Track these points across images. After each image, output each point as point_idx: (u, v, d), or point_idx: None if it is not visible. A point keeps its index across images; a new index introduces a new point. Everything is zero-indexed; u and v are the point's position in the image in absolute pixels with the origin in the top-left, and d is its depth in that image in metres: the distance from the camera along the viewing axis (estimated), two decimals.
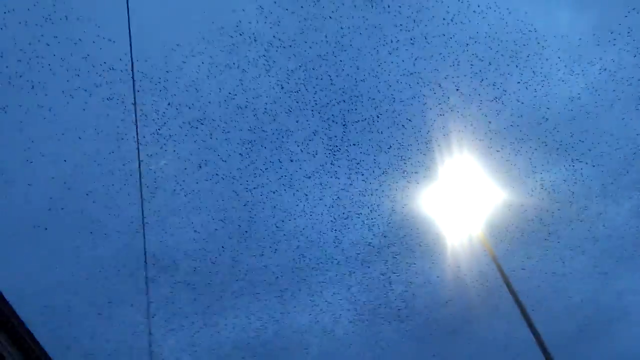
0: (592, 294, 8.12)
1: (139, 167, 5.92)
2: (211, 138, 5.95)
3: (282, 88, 5.70)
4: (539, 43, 6.10)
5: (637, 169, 6.99)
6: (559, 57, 6.11)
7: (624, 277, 7.79)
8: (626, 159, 6.78)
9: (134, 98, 5.52)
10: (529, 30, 6.02)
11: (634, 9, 5.97)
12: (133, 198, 6.02)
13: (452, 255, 8.00)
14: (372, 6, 5.42)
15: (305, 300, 7.17)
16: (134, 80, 5.48)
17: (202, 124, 5.84)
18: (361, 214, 6.85)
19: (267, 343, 7.38)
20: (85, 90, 5.59)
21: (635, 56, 6.14)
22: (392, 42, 5.65)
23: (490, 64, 6.06)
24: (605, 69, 6.25)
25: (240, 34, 5.46)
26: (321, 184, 6.48)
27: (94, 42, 5.41)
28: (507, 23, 5.95)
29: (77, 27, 5.42)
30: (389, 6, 5.44)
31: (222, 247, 6.58)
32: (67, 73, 5.44)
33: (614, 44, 6.14)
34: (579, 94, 6.48)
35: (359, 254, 7.20)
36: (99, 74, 5.48)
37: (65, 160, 5.90)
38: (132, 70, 5.32)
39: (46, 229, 6.21)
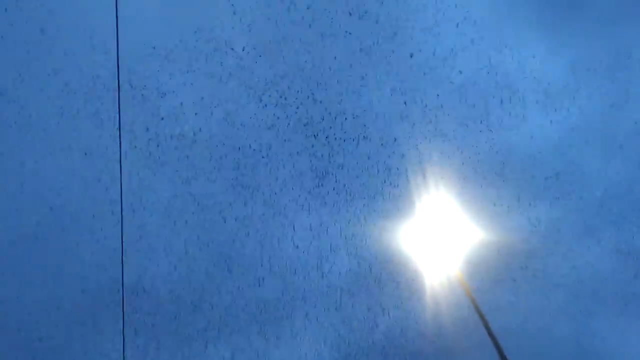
0: (573, 333, 8.04)
1: (120, 186, 5.78)
2: (192, 156, 5.84)
3: (261, 101, 5.64)
4: (517, 83, 6.15)
5: (616, 208, 7.02)
6: (537, 99, 6.16)
7: (605, 318, 7.73)
8: (605, 198, 6.81)
9: (119, 114, 5.42)
10: (508, 71, 6.08)
11: (609, 48, 6.07)
12: (114, 219, 5.88)
13: (430, 292, 7.91)
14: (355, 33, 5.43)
15: (287, 336, 7.00)
16: (119, 96, 5.39)
17: (183, 139, 5.74)
18: (347, 243, 6.75)
19: None
20: (68, 107, 5.49)
21: (609, 98, 6.23)
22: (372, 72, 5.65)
23: (472, 103, 6.08)
24: (581, 111, 6.32)
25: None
26: (308, 209, 6.39)
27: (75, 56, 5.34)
28: (490, 62, 6.01)
29: (59, 39, 5.34)
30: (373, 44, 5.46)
31: (205, 274, 6.43)
32: (50, 89, 5.34)
33: (590, 86, 6.22)
34: (557, 134, 6.53)
35: (344, 286, 7.08)
36: (83, 90, 5.38)
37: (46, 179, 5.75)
38: (118, 84, 5.25)
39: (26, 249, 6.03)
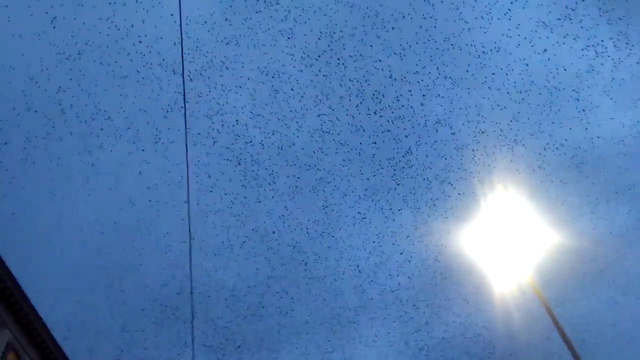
0: None
1: (188, 203, 6.03)
2: (254, 177, 6.02)
3: (321, 127, 5.75)
4: (586, 81, 5.99)
5: None
6: (608, 96, 5.96)
7: None
8: None
9: (185, 136, 5.68)
10: (576, 70, 5.93)
11: None
12: (181, 236, 6.13)
13: (500, 300, 7.71)
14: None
15: (353, 342, 7.01)
16: (185, 120, 5.65)
17: (242, 163, 5.93)
18: (403, 257, 6.72)
19: None
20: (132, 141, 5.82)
21: None
22: (429, 77, 5.66)
23: (536, 103, 5.97)
24: None
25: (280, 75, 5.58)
26: (361, 225, 6.43)
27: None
28: (551, 63, 5.89)
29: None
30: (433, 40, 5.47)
31: (267, 287, 6.56)
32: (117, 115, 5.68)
33: None
34: (630, 134, 6.28)
35: (396, 300, 7.04)
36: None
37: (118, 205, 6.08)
38: (184, 108, 5.50)
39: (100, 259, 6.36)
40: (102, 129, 5.71)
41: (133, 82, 5.61)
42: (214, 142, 5.84)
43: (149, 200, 6.05)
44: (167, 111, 5.74)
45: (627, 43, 5.75)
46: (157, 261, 6.40)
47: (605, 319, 7.31)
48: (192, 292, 6.22)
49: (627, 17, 5.62)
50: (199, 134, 5.77)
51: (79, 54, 5.30)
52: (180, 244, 6.21)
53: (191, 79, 5.46)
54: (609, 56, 5.83)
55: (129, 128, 5.74)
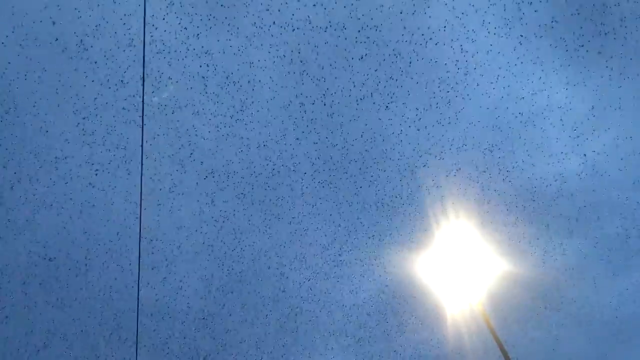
0: None
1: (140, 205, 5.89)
2: (217, 190, 5.92)
3: (283, 124, 5.70)
4: (542, 115, 6.13)
5: None
6: (562, 131, 6.12)
7: (631, 357, 7.52)
8: (631, 237, 6.68)
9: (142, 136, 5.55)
10: (533, 104, 6.06)
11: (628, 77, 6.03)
12: (132, 242, 5.97)
13: (452, 323, 7.80)
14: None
15: None
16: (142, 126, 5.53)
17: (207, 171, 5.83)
18: (367, 271, 6.73)
19: None
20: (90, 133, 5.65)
21: (633, 131, 6.15)
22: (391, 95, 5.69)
23: (496, 136, 6.07)
24: (604, 145, 6.25)
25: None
26: (326, 234, 6.40)
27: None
28: (508, 95, 6.01)
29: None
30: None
31: (219, 294, 6.46)
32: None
33: (617, 123, 6.16)
34: (585, 170, 6.46)
35: (361, 314, 7.04)
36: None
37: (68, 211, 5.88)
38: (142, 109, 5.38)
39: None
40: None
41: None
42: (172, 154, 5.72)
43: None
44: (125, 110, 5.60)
45: (584, 79, 5.94)
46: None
47: (549, 348, 7.49)
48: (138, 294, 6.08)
49: (587, 54, 5.80)
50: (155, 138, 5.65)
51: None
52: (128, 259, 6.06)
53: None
54: (564, 94, 6.00)
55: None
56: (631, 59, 5.70)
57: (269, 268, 6.38)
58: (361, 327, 6.95)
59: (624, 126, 6.04)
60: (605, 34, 5.68)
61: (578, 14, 5.44)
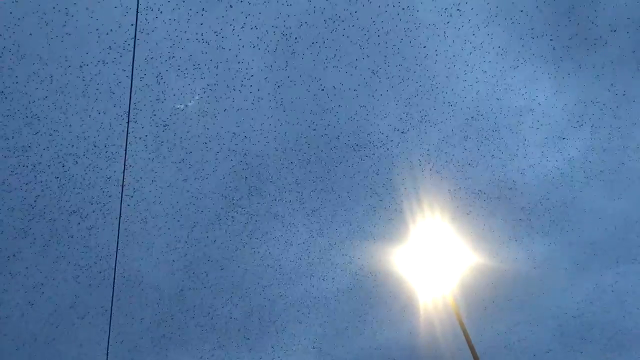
0: None
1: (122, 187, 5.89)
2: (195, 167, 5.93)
3: (257, 119, 5.72)
4: (522, 115, 6.21)
5: (611, 249, 7.05)
6: (540, 133, 6.22)
7: (590, 356, 7.78)
8: (601, 237, 6.86)
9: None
10: (516, 104, 6.14)
11: (612, 84, 6.12)
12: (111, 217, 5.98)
13: (423, 313, 7.97)
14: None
15: (270, 348, 7.08)
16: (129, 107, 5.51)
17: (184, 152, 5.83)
18: (341, 260, 6.82)
19: None
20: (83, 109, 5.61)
21: (614, 139, 6.28)
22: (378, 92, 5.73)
23: (469, 131, 6.14)
24: (580, 149, 6.37)
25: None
26: (302, 222, 6.47)
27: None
28: (488, 93, 6.06)
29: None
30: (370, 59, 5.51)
31: (192, 278, 6.52)
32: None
33: (595, 125, 6.27)
34: (559, 170, 6.58)
35: (333, 301, 7.16)
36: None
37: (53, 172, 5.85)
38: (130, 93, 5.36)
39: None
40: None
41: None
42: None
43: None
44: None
45: (565, 80, 6.02)
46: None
47: (512, 343, 7.71)
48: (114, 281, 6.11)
49: (569, 55, 5.87)
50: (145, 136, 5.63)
51: None
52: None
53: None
54: (545, 95, 6.08)
55: None
56: (614, 68, 5.80)
57: (243, 247, 6.43)
58: (332, 315, 7.08)
59: (602, 132, 6.17)
60: (594, 43, 5.76)
61: (569, 20, 5.50)
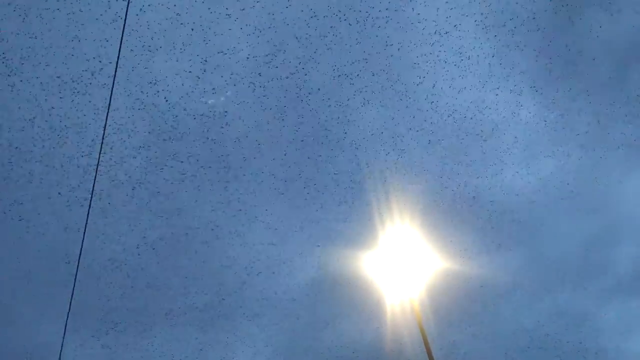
0: None
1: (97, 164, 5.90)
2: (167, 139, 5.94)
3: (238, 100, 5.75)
4: (497, 130, 6.29)
5: (573, 268, 7.20)
6: (514, 148, 6.31)
7: None
8: (564, 257, 7.00)
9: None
10: (492, 119, 6.22)
11: (592, 116, 6.24)
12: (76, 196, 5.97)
13: (389, 315, 8.06)
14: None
15: (226, 339, 7.13)
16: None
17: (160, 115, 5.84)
18: (308, 257, 6.89)
19: None
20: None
21: (586, 158, 6.41)
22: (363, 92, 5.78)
23: (447, 141, 6.21)
24: (556, 168, 6.49)
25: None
26: (272, 214, 6.51)
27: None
28: (466, 106, 6.12)
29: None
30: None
31: (156, 266, 6.54)
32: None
33: (569, 144, 6.39)
34: (532, 187, 6.69)
35: (296, 299, 7.22)
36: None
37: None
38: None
39: None
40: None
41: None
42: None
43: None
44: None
45: (547, 101, 6.13)
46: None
47: (466, 353, 7.84)
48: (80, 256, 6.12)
49: (554, 77, 5.97)
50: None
51: None
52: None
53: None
54: (524, 113, 6.17)
55: None
56: (591, 94, 5.91)
57: (212, 230, 6.45)
58: (294, 310, 7.14)
59: (575, 155, 6.29)
60: (575, 67, 5.86)
61: (549, 43, 5.60)
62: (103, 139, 5.40)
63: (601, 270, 7.19)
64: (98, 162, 5.56)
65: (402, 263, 7.14)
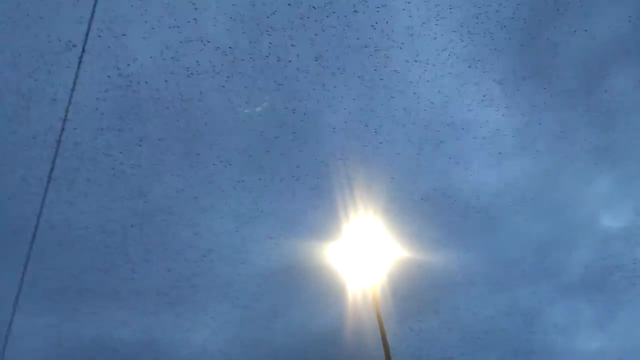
0: None
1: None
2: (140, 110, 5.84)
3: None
4: (467, 130, 6.37)
5: (529, 267, 7.43)
6: (482, 148, 6.41)
7: None
8: (520, 256, 7.22)
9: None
10: (463, 117, 6.28)
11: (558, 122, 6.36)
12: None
13: (350, 302, 8.20)
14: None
15: (183, 319, 7.17)
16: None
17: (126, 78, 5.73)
18: (269, 243, 6.92)
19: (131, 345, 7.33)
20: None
21: (549, 166, 6.56)
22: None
23: (419, 138, 6.26)
24: (521, 171, 6.63)
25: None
26: (239, 199, 6.51)
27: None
28: (439, 104, 6.16)
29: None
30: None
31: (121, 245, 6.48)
32: None
33: (534, 149, 6.51)
34: (496, 186, 6.81)
35: (256, 284, 7.28)
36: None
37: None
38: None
39: None
40: None
41: None
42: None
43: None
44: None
45: (517, 104, 6.22)
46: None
47: (422, 343, 8.06)
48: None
49: (525, 82, 6.05)
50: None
51: None
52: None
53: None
54: (494, 115, 6.26)
55: None
56: (559, 102, 6.02)
57: (168, 215, 6.42)
58: (248, 300, 7.20)
59: (540, 159, 6.43)
60: (547, 74, 5.95)
61: (527, 48, 5.65)
62: (66, 116, 5.28)
63: (555, 272, 7.44)
64: (60, 139, 5.44)
65: (363, 253, 7.24)
